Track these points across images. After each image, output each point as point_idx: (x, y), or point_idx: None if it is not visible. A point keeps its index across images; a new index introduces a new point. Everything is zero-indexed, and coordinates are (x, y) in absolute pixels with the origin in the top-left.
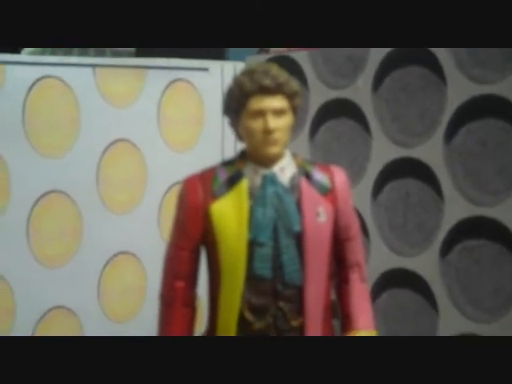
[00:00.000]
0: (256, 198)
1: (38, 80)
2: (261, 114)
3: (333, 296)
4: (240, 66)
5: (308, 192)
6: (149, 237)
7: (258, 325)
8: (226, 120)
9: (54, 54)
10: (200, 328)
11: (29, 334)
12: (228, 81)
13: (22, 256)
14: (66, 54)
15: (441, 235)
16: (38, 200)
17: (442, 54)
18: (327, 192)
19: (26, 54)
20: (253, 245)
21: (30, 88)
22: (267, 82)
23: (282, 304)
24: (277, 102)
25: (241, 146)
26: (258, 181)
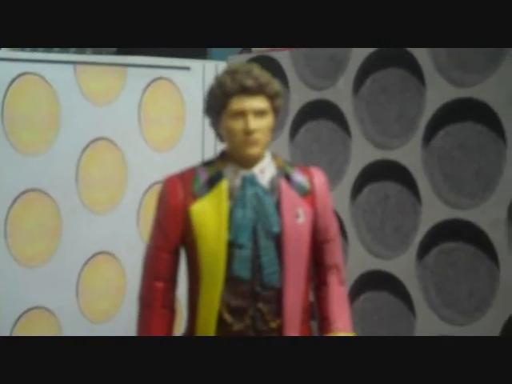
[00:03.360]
0: (236, 199)
1: (18, 76)
2: (242, 114)
3: (311, 298)
4: (222, 65)
5: (287, 193)
6: (128, 237)
7: (237, 326)
8: (207, 120)
9: (34, 50)
10: (179, 330)
11: (7, 334)
12: (210, 80)
13: (0, 256)
14: (46, 50)
15: (418, 238)
16: (16, 198)
17: (422, 57)
18: (306, 193)
19: (5, 50)
20: (232, 246)
21: (10, 84)
22: (249, 82)
23: (260, 305)
24: (258, 102)
25: (221, 145)
26: (237, 182)
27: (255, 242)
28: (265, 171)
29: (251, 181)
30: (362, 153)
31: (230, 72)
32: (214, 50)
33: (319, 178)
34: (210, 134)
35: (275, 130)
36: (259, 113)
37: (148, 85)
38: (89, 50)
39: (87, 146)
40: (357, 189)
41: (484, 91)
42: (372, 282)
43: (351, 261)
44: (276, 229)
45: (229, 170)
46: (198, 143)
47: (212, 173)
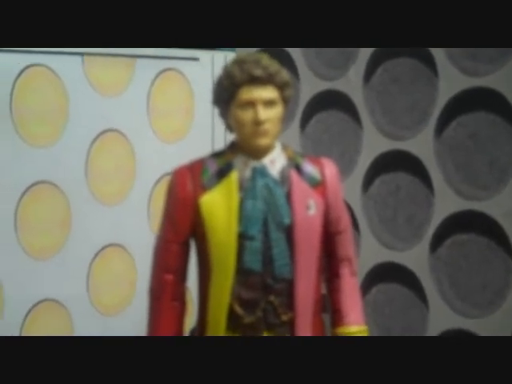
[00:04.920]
0: (246, 190)
1: (26, 68)
2: (251, 104)
3: (323, 290)
4: (231, 55)
5: (298, 184)
6: (138, 229)
7: (248, 319)
8: (216, 110)
9: None
10: (190, 322)
11: (17, 327)
12: (219, 71)
13: (10, 248)
14: None
15: (431, 229)
16: (26, 191)
17: None
18: (317, 184)
19: None
20: (243, 238)
21: (18, 77)
22: (258, 72)
23: (272, 298)
24: (267, 92)
25: (231, 136)
26: (247, 173)
27: (266, 233)
28: (275, 162)
29: (261, 172)
30: (374, 143)
31: (239, 62)
32: None
33: (330, 168)
34: (220, 125)
35: (285, 120)
36: (269, 103)
37: (157, 76)
38: None
39: (96, 138)
40: (368, 180)
41: (496, 80)
42: (384, 274)
43: (363, 253)
44: (287, 220)
45: (238, 161)
46: (207, 134)
47: (221, 164)
